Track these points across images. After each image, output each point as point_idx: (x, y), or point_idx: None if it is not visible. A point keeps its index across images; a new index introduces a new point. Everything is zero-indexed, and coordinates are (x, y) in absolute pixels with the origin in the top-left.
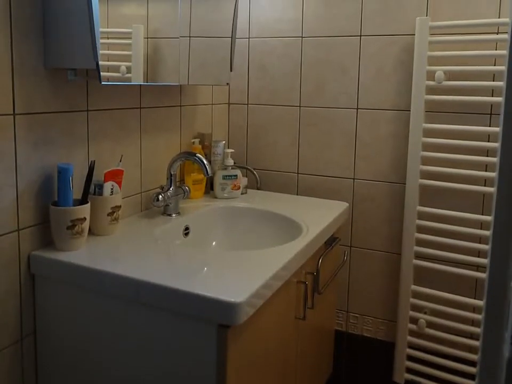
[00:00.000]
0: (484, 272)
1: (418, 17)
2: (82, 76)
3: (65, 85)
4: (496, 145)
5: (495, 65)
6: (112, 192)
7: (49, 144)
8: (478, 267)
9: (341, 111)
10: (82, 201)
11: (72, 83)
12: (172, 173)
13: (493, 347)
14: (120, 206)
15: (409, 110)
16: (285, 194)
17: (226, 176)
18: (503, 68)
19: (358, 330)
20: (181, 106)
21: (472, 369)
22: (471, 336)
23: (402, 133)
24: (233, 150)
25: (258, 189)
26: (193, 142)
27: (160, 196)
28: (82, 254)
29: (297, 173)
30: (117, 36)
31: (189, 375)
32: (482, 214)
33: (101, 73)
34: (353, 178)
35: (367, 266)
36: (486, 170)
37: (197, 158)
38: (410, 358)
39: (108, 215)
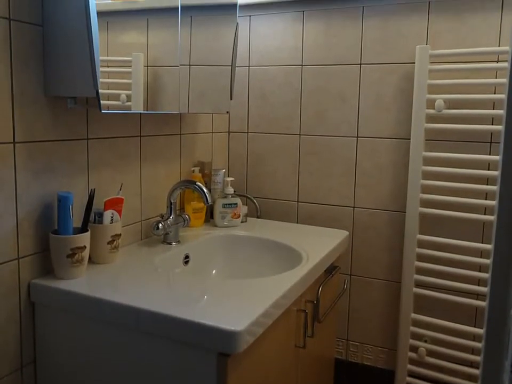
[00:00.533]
0: (484, 300)
1: (418, 46)
2: (82, 104)
3: (65, 113)
4: (496, 173)
5: (495, 93)
6: (112, 220)
7: (49, 172)
8: (478, 295)
9: (341, 139)
10: (82, 229)
11: (72, 111)
12: (172, 201)
13: (493, 376)
14: (120, 235)
15: (409, 138)
16: (285, 223)
17: (226, 204)
18: (503, 96)
19: (358, 358)
20: (181, 134)
21: None
22: (471, 364)
23: (402, 161)
24: (233, 179)
25: (258, 217)
26: (193, 170)
27: (160, 224)
28: (82, 282)
29: (297, 201)
30: (117, 64)
31: None
32: (482, 243)
33: (101, 101)
34: (353, 207)
35: (367, 295)
36: (486, 199)
37: (197, 187)
38: None
39: (108, 243)
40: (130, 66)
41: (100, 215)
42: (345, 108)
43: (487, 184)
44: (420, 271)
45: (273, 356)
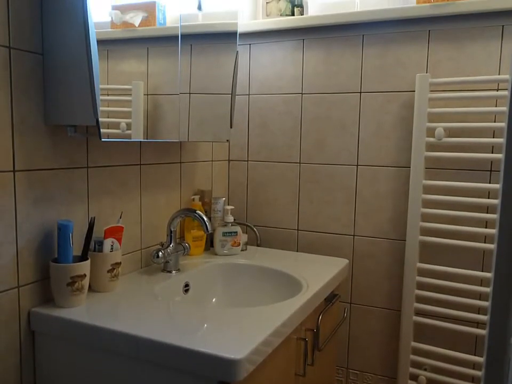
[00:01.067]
0: (484, 328)
1: (418, 74)
2: (82, 133)
3: (65, 142)
4: (496, 202)
5: (495, 121)
6: (112, 248)
7: (49, 200)
8: (478, 324)
9: (341, 167)
10: (82, 257)
11: (72, 139)
12: (172, 229)
13: None
14: (120, 263)
15: (409, 167)
16: (285, 251)
17: (226, 233)
18: (503, 124)
19: None
20: (181, 163)
21: None
22: None
23: (402, 189)
24: (233, 207)
25: (258, 245)
26: (193, 199)
27: (160, 253)
28: (82, 310)
29: (297, 230)
30: (117, 93)
31: None
32: (482, 271)
33: (101, 130)
34: (353, 235)
35: (367, 323)
36: (486, 227)
37: (197, 215)
38: None
39: (108, 271)
40: (130, 94)
41: (100, 243)
42: (345, 136)
43: (487, 213)
44: (420, 299)
45: None
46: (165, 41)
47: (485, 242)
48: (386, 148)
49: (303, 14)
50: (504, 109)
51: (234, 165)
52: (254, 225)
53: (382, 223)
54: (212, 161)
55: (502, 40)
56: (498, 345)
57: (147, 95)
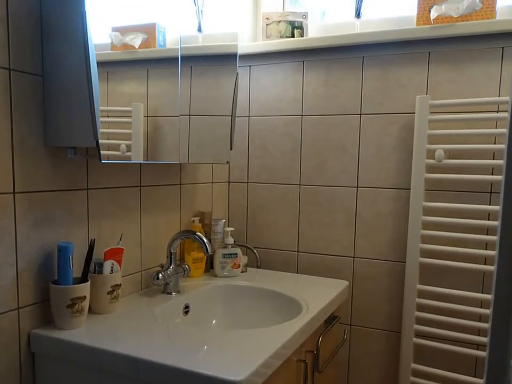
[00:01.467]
0: (484, 350)
1: (418, 96)
2: (82, 154)
3: (65, 163)
4: (496, 223)
5: (495, 143)
6: (112, 270)
7: (49, 222)
8: (478, 345)
9: (341, 189)
10: (82, 279)
11: (72, 161)
12: (172, 251)
13: None
14: (120, 285)
15: (409, 188)
16: (285, 273)
17: (226, 254)
18: (503, 146)
19: None
20: (181, 184)
21: None
22: None
23: (402, 211)
24: (233, 229)
25: (258, 267)
26: (193, 220)
27: (160, 275)
28: (83, 332)
29: (297, 251)
30: (117, 114)
31: None
32: (482, 293)
33: (101, 151)
34: (353, 257)
35: (367, 345)
36: (486, 249)
37: (197, 237)
38: None
39: (108, 293)
40: (130, 116)
41: (100, 265)
42: (345, 157)
43: (487, 234)
44: (420, 321)
45: None
46: (165, 62)
47: (485, 264)
48: (386, 170)
49: (303, 36)
50: (504, 130)
51: (234, 187)
52: (254, 247)
53: (382, 245)
54: (212, 183)
55: (502, 62)
56: (499, 367)
57: (147, 116)
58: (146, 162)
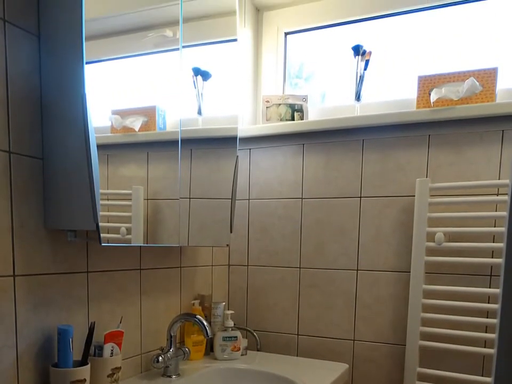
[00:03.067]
0: None
1: (418, 179)
2: (82, 237)
3: (65, 246)
4: (496, 306)
5: (495, 226)
6: (112, 353)
7: (49, 305)
8: None
9: (341, 272)
10: (82, 362)
11: (72, 244)
12: (172, 334)
13: None
14: (120, 368)
15: (409, 271)
16: (285, 356)
17: (226, 337)
18: (503, 229)
19: None
20: (181, 267)
21: None
22: None
23: (402, 294)
24: (233, 312)
25: (258, 350)
26: (193, 303)
27: (160, 358)
28: None
29: (297, 334)
30: (117, 197)
31: None
32: (482, 375)
33: (101, 234)
34: (353, 340)
35: None
36: (486, 332)
37: (197, 320)
38: None
39: (107, 376)
40: (131, 199)
41: (100, 348)
42: (345, 240)
43: (487, 317)
44: None
45: None
46: (165, 145)
47: (485, 347)
48: (386, 253)
49: (303, 119)
50: (504, 213)
51: (234, 270)
52: (254, 330)
53: (382, 328)
54: (212, 265)
55: (502, 144)
56: None
57: (147, 199)
58: (146, 245)
